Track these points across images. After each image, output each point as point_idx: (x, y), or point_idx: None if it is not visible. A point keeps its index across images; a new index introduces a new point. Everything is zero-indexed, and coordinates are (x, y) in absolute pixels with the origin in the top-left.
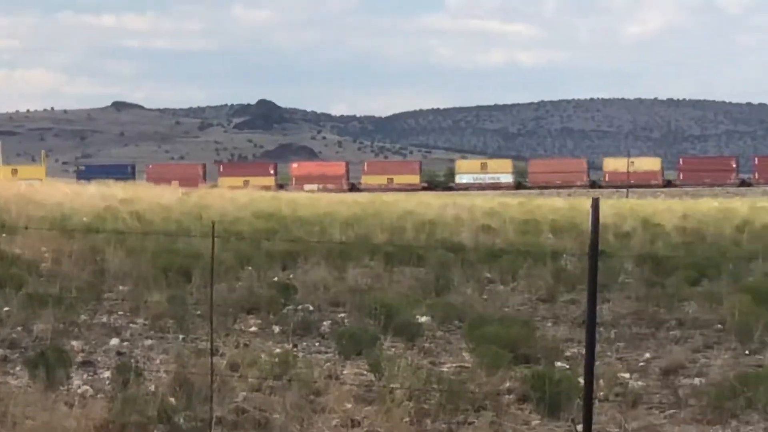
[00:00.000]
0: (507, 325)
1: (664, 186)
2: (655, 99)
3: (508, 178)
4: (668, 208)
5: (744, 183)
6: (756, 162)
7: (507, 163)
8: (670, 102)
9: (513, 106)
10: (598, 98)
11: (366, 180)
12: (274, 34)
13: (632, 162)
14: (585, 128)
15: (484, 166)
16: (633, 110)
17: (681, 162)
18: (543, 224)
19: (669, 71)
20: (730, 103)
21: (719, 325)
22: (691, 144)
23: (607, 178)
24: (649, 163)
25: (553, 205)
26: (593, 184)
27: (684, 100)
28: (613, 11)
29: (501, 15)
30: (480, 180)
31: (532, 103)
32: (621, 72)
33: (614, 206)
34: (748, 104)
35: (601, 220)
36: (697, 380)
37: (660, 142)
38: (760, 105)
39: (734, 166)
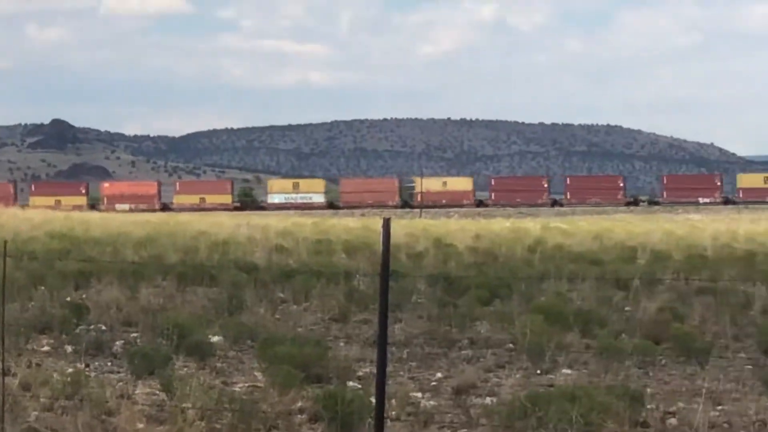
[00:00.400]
0: (299, 344)
1: (477, 206)
2: (449, 119)
3: (320, 198)
4: (461, 229)
5: (556, 203)
6: (568, 182)
7: (320, 183)
8: (463, 122)
9: (306, 126)
10: (391, 118)
11: (178, 200)
12: (69, 53)
13: (445, 182)
14: (378, 148)
15: (296, 186)
16: (426, 130)
17: (493, 182)
18: (336, 244)
19: (462, 91)
20: (522, 123)
21: (511, 345)
22: (484, 164)
23: (420, 198)
24: (462, 183)
25: (346, 225)
26: (405, 204)
27: (477, 120)
28: (407, 31)
29: (295, 35)
30: (292, 200)
31: (325, 123)
32: (414, 92)
33: (407, 226)
34: (541, 124)
35: (395, 240)
36: (488, 399)
37: (453, 162)
38: (553, 125)
39: (546, 186)
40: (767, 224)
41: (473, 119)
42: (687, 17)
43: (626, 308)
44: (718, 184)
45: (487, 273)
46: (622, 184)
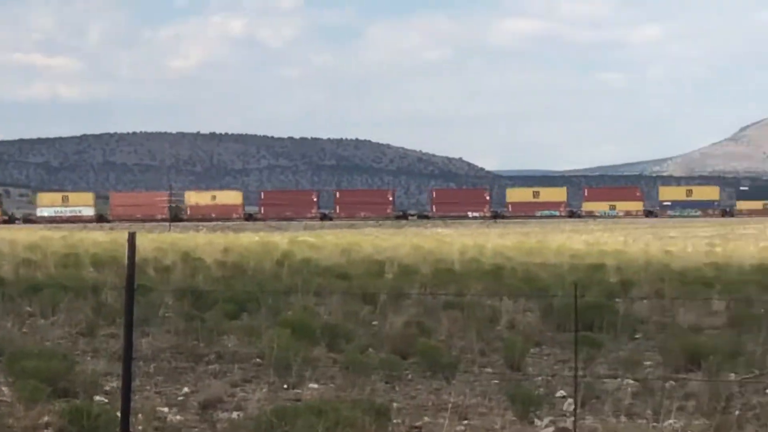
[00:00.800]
0: (46, 359)
1: (246, 219)
2: (198, 133)
3: (89, 212)
4: (209, 242)
5: (326, 217)
6: (337, 196)
7: (89, 197)
8: (213, 136)
9: (56, 139)
10: (141, 132)
11: None
12: None
13: (214, 196)
14: (128, 162)
15: (65, 200)
16: (176, 144)
17: (263, 196)
18: (85, 258)
19: (212, 105)
20: (272, 137)
21: (258, 359)
22: (233, 178)
23: (189, 212)
24: (231, 197)
25: (95, 239)
26: (175, 218)
27: (227, 134)
28: (157, 45)
29: (45, 48)
30: (61, 213)
31: (74, 137)
32: (164, 106)
33: (156, 240)
34: (290, 139)
35: (144, 254)
36: (235, 414)
37: (203, 175)
38: (302, 139)
39: (315, 200)
40: (514, 238)
41: (223, 133)
42: (438, 31)
43: (373, 322)
44: (487, 198)
45: (235, 287)
46: (391, 198)
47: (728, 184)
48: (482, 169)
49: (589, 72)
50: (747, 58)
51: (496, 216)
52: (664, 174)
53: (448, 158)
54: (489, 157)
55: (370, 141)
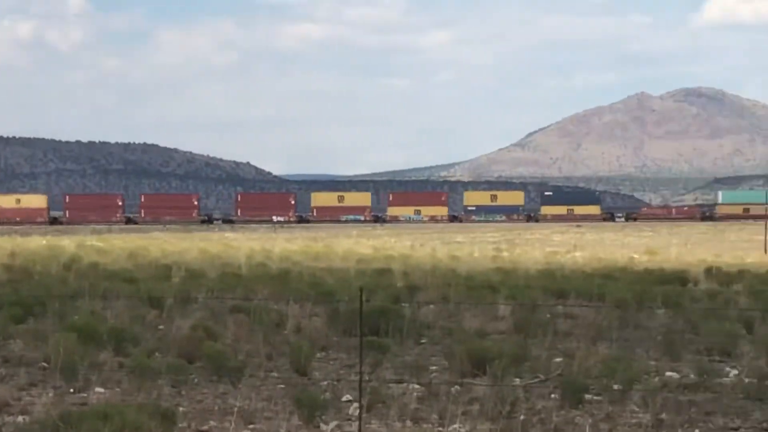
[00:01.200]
0: None
1: (51, 223)
2: None
3: None
4: None
5: (130, 221)
6: (142, 200)
7: None
8: (0, 139)
9: None
10: None
11: None
12: None
13: (19, 200)
14: None
15: None
16: None
17: (67, 200)
18: None
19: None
20: (59, 141)
21: (44, 363)
22: (21, 182)
23: None
24: (36, 201)
25: None
26: None
27: (14, 137)
28: None
29: None
30: None
31: None
32: None
33: None
34: (78, 142)
35: None
36: (21, 418)
37: None
38: (90, 143)
39: (120, 204)
40: (302, 243)
41: (9, 136)
42: (225, 36)
43: (160, 326)
44: (293, 203)
45: (21, 290)
46: (196, 203)
47: (516, 189)
48: (270, 174)
49: (376, 77)
50: (534, 64)
51: (301, 220)
52: (452, 179)
53: (235, 162)
54: (276, 161)
55: (157, 145)
